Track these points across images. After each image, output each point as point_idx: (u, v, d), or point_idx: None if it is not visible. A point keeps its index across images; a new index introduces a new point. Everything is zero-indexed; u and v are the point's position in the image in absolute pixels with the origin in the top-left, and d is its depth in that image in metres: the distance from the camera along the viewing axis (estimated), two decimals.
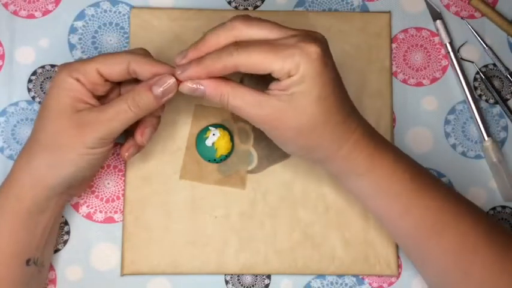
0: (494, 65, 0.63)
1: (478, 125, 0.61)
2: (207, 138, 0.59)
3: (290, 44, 0.48)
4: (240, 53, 0.48)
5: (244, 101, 0.49)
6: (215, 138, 0.59)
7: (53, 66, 0.61)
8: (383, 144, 0.53)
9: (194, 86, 0.50)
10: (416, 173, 0.53)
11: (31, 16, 0.61)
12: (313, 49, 0.48)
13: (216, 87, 0.49)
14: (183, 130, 0.60)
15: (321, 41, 0.49)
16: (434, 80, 0.62)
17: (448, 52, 0.62)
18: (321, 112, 0.49)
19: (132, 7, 0.62)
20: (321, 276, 0.60)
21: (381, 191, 0.52)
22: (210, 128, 0.59)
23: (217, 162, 0.59)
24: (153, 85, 0.50)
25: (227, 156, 0.59)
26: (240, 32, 0.49)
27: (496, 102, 0.62)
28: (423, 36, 0.63)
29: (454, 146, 0.62)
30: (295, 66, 0.47)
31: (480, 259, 0.51)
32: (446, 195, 0.53)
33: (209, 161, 0.59)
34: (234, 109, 0.50)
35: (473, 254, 0.51)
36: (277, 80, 0.49)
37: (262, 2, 0.62)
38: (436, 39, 0.63)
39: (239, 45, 0.48)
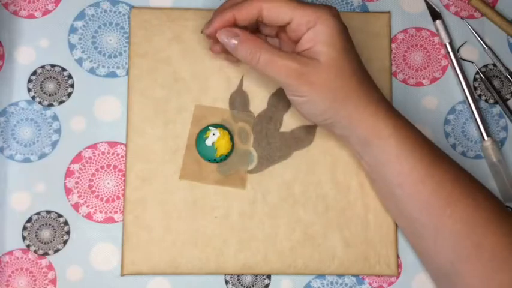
0: (494, 65, 0.63)
1: (478, 125, 0.61)
2: (207, 138, 0.59)
3: (311, 3, 0.52)
4: None
5: (274, 55, 0.52)
6: (215, 138, 0.59)
7: (53, 66, 0.61)
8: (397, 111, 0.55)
9: (228, 39, 0.53)
10: (432, 141, 0.55)
11: (31, 16, 0.61)
12: (332, 9, 0.52)
13: (249, 41, 0.52)
14: (183, 130, 0.60)
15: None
16: (434, 80, 0.62)
17: (448, 52, 0.62)
18: (347, 64, 0.51)
19: (132, 7, 0.62)
20: (321, 276, 0.60)
21: (406, 152, 0.53)
22: (210, 128, 0.59)
23: (217, 162, 0.59)
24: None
25: (227, 156, 0.59)
26: None
27: (496, 102, 0.63)
28: (423, 36, 0.63)
29: (454, 146, 0.62)
30: (316, 17, 0.51)
31: (492, 232, 0.52)
32: (460, 168, 0.55)
33: (209, 160, 0.59)
34: (264, 64, 0.52)
35: (485, 226, 0.52)
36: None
37: None
38: (436, 39, 0.63)
39: None
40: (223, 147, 0.59)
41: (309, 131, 0.60)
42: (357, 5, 0.63)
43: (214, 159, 0.59)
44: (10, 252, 0.58)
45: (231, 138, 0.59)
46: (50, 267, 0.58)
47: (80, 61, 0.61)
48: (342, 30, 0.52)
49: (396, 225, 0.59)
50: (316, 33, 0.51)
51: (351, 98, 0.52)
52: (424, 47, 0.63)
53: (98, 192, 0.59)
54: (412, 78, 0.62)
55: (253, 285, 0.59)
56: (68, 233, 0.59)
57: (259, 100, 0.61)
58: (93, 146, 0.60)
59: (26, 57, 0.61)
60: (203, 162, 0.59)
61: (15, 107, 0.60)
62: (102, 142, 0.60)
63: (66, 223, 0.59)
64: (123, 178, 0.60)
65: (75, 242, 0.59)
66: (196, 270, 0.59)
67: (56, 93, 0.60)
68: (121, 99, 0.60)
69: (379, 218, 0.59)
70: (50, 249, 0.58)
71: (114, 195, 0.59)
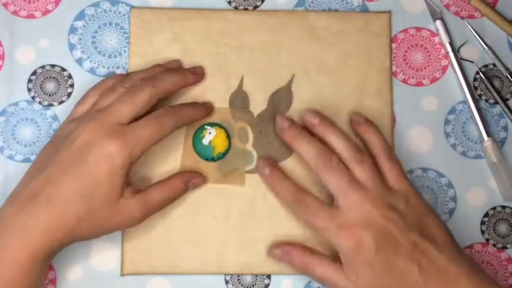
0: (494, 65, 0.63)
1: (478, 125, 0.61)
2: (203, 137, 0.59)
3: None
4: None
5: (325, 270, 0.55)
6: (211, 137, 0.59)
7: (53, 66, 0.61)
8: None
9: (284, 254, 0.57)
10: None
11: (31, 16, 0.61)
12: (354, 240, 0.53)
13: (302, 257, 0.56)
14: (181, 130, 0.60)
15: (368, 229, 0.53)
16: (434, 80, 0.62)
17: (448, 52, 0.62)
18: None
19: (132, 7, 0.62)
20: None
21: None
22: (206, 126, 0.59)
23: (215, 161, 0.59)
24: (188, 182, 0.57)
25: (224, 154, 0.59)
26: None
27: (496, 102, 0.62)
28: (423, 36, 0.63)
29: (454, 146, 0.62)
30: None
31: None
32: None
33: (207, 159, 0.59)
34: (319, 279, 0.55)
35: None
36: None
37: (262, 2, 0.62)
38: (436, 39, 0.63)
39: None
40: (220, 146, 0.59)
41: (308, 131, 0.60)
42: (357, 5, 0.63)
43: (212, 158, 0.59)
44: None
45: (227, 136, 0.59)
46: (50, 267, 0.58)
47: (80, 61, 0.61)
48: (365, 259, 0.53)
49: None
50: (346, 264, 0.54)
51: None
52: (424, 47, 0.63)
53: None
54: (412, 78, 0.62)
55: (253, 285, 0.59)
56: None
57: (259, 100, 0.61)
58: None
59: (26, 57, 0.61)
60: (201, 161, 0.59)
61: (15, 107, 0.60)
62: None
63: None
64: None
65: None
66: (196, 270, 0.58)
67: (56, 93, 0.60)
68: None
69: None
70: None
71: None
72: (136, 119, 0.53)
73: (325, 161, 0.54)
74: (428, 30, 0.63)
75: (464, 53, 0.63)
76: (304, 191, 0.56)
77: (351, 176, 0.54)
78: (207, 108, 0.59)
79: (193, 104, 0.59)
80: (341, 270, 0.54)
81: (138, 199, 0.53)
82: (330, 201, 0.55)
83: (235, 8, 0.62)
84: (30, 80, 0.61)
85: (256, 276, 0.59)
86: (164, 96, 0.55)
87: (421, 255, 0.52)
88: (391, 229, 0.52)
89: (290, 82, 0.61)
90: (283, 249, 0.57)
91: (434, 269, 0.52)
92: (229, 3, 0.62)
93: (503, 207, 0.61)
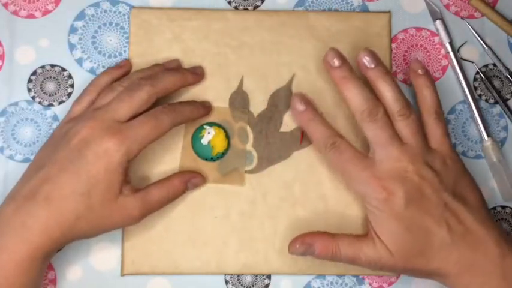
0: (494, 65, 0.63)
1: (478, 125, 0.61)
2: (202, 136, 0.59)
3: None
4: None
5: (351, 246, 0.54)
6: (210, 137, 0.59)
7: (53, 66, 0.61)
8: None
9: (304, 247, 0.55)
10: None
11: (31, 16, 0.61)
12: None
13: (325, 244, 0.54)
14: (180, 129, 0.60)
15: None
16: (434, 80, 0.62)
17: (448, 52, 0.62)
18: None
19: (132, 7, 0.62)
20: (321, 276, 0.60)
21: None
22: (205, 126, 0.59)
23: (214, 160, 0.59)
24: (188, 182, 0.57)
25: (224, 153, 0.59)
26: None
27: (496, 102, 0.62)
28: (423, 36, 0.63)
29: (454, 146, 0.62)
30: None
31: None
32: None
33: (206, 159, 0.59)
34: (347, 258, 0.54)
35: None
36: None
37: (262, 2, 0.62)
38: (436, 39, 0.63)
39: None
40: (219, 145, 0.59)
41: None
42: (357, 5, 0.63)
43: (211, 158, 0.59)
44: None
45: (227, 136, 0.59)
46: (50, 267, 0.58)
47: (80, 61, 0.61)
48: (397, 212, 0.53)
49: None
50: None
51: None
52: (424, 47, 0.63)
53: None
54: None
55: (253, 285, 0.59)
56: None
57: (259, 100, 0.61)
58: None
59: (26, 57, 0.61)
60: (200, 161, 0.59)
61: (15, 107, 0.60)
62: None
63: None
64: None
65: (75, 241, 0.57)
66: (196, 270, 0.59)
67: (56, 93, 0.60)
68: None
69: None
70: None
71: None
72: (135, 117, 0.53)
73: (370, 111, 0.53)
74: (428, 30, 0.63)
75: (464, 53, 0.63)
76: (340, 135, 0.55)
77: (393, 129, 0.54)
78: (206, 107, 0.59)
79: (192, 103, 0.59)
80: (366, 240, 0.53)
81: (137, 197, 0.53)
82: (364, 151, 0.55)
83: (235, 8, 0.62)
84: (30, 80, 0.61)
85: (256, 276, 0.59)
86: (163, 96, 0.55)
87: (451, 215, 0.52)
88: (424, 186, 0.52)
89: (290, 82, 0.61)
90: (303, 242, 0.56)
91: (463, 230, 0.52)
92: (229, 3, 0.62)
93: (503, 207, 0.61)
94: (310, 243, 0.55)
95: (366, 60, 0.55)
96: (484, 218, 0.53)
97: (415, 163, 0.53)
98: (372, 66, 0.55)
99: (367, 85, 0.55)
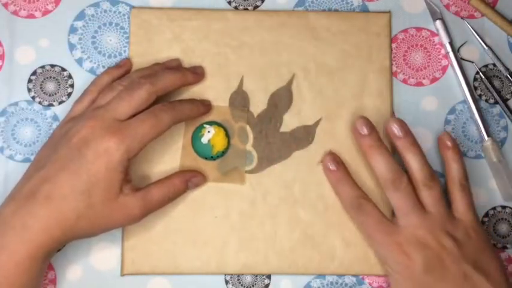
0: (494, 65, 0.63)
1: (478, 125, 0.61)
2: (202, 135, 0.59)
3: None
4: None
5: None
6: (210, 136, 0.59)
7: (53, 66, 0.61)
8: None
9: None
10: None
11: (31, 16, 0.61)
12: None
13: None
14: (180, 128, 0.60)
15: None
16: (434, 80, 0.62)
17: (448, 52, 0.62)
18: None
19: (132, 7, 0.62)
20: (321, 276, 0.60)
21: None
22: (205, 125, 0.59)
23: (214, 159, 0.59)
24: (188, 181, 0.57)
25: (224, 152, 0.59)
26: None
27: (496, 102, 0.62)
28: (423, 36, 0.63)
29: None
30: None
31: None
32: None
33: (206, 158, 0.59)
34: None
35: None
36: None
37: (262, 2, 0.62)
38: (436, 39, 0.63)
39: None
40: (219, 144, 0.59)
41: (309, 131, 0.60)
42: (357, 5, 0.63)
43: (211, 157, 0.59)
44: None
45: (226, 135, 0.59)
46: (50, 267, 0.58)
47: (80, 61, 0.61)
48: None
49: None
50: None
51: None
52: (424, 47, 0.63)
53: None
54: (412, 78, 0.62)
55: (253, 285, 0.59)
56: None
57: (259, 100, 0.61)
58: None
59: (26, 57, 0.61)
60: (200, 160, 0.59)
61: (15, 107, 0.60)
62: None
63: None
64: None
65: (75, 241, 0.57)
66: (196, 270, 0.58)
67: (56, 93, 0.60)
68: None
69: None
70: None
71: None
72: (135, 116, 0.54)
73: (395, 180, 0.55)
74: (428, 30, 0.63)
75: (464, 53, 0.63)
76: (366, 197, 0.57)
77: (416, 198, 0.55)
78: (205, 105, 0.59)
79: (191, 101, 0.59)
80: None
81: (138, 196, 0.53)
82: (390, 213, 0.57)
83: (235, 8, 0.62)
84: (30, 80, 0.61)
85: (256, 276, 0.59)
86: (162, 94, 0.55)
87: (470, 285, 0.53)
88: (443, 255, 0.53)
89: (290, 82, 0.61)
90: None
91: None
92: (229, 3, 0.62)
93: (503, 207, 0.61)
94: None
95: (395, 128, 0.56)
96: None
97: (436, 232, 0.54)
98: (401, 135, 0.56)
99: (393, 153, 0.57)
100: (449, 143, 0.58)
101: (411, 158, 0.56)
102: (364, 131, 0.57)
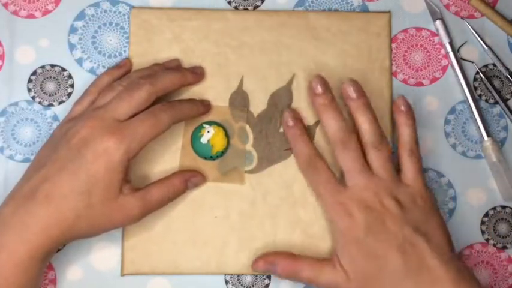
0: (494, 65, 0.63)
1: (478, 125, 0.61)
2: (202, 135, 0.59)
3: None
4: None
5: (311, 268, 0.55)
6: (210, 135, 0.59)
7: (53, 66, 0.61)
8: None
9: (267, 266, 0.57)
10: None
11: (31, 16, 0.61)
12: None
13: (287, 265, 0.56)
14: (180, 128, 0.60)
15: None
16: (434, 80, 0.62)
17: (448, 52, 0.62)
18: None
19: (132, 7, 0.62)
20: None
21: None
22: (204, 125, 0.59)
23: (213, 159, 0.59)
24: (188, 181, 0.57)
25: (223, 152, 0.59)
26: None
27: (496, 102, 0.62)
28: (423, 36, 0.63)
29: (454, 146, 0.62)
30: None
31: None
32: None
33: (206, 158, 0.59)
34: (307, 279, 0.55)
35: None
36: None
37: (262, 2, 0.62)
38: (436, 39, 0.63)
39: None
40: (218, 144, 0.59)
41: (308, 131, 0.60)
42: (357, 5, 0.63)
43: (211, 156, 0.59)
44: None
45: (226, 135, 0.59)
46: (50, 267, 0.58)
47: (80, 61, 0.61)
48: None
49: None
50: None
51: None
52: (424, 47, 0.63)
53: None
54: (412, 78, 0.62)
55: (253, 285, 0.59)
56: None
57: (259, 100, 0.61)
58: None
59: (26, 57, 0.61)
60: (200, 160, 0.59)
61: (15, 107, 0.60)
62: None
63: None
64: None
65: (75, 241, 0.57)
66: (196, 270, 0.58)
67: (56, 93, 0.60)
68: None
69: None
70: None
71: None
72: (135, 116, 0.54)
73: (344, 139, 0.55)
74: (428, 30, 0.63)
75: (464, 53, 0.63)
76: (320, 157, 0.57)
77: (364, 160, 0.55)
78: (205, 105, 0.59)
79: (191, 100, 0.59)
80: (327, 264, 0.55)
81: (137, 196, 0.53)
82: (342, 178, 0.56)
83: (235, 8, 0.62)
84: (30, 80, 0.61)
85: (256, 276, 0.59)
86: (162, 95, 0.55)
87: (410, 247, 0.52)
88: (385, 217, 0.53)
89: (290, 82, 0.61)
90: (266, 261, 0.57)
91: (420, 265, 0.52)
92: (229, 3, 0.62)
93: (503, 207, 0.61)
94: (272, 262, 0.56)
95: (350, 89, 0.56)
96: (447, 259, 0.52)
97: (380, 195, 0.54)
98: (354, 96, 0.56)
99: (348, 115, 0.57)
100: (403, 108, 0.57)
101: (363, 119, 0.56)
102: (319, 89, 0.57)
